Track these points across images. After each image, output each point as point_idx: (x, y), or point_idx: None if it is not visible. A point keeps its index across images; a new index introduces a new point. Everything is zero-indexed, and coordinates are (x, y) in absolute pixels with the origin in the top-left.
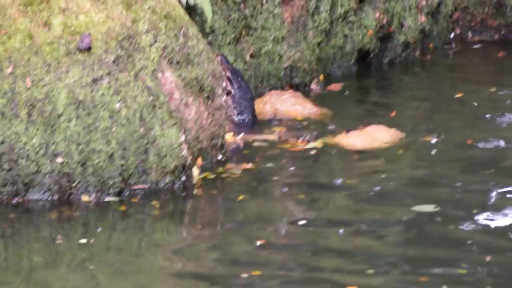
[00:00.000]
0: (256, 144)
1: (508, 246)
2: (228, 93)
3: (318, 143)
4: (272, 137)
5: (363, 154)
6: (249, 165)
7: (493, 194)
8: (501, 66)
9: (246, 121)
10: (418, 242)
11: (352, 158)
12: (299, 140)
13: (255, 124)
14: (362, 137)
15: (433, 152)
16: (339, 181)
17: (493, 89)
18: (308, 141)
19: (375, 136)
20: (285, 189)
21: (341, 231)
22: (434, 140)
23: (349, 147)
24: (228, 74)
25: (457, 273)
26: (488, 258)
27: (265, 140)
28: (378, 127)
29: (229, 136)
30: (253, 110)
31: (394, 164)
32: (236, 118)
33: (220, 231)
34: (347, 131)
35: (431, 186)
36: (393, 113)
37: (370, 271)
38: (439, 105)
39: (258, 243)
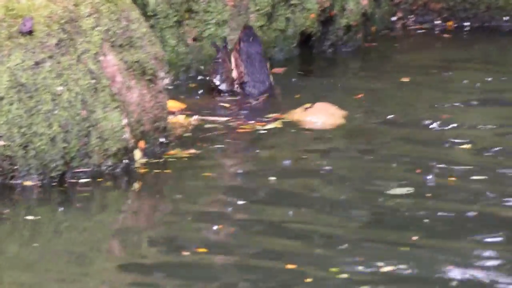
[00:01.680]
0: (210, 125)
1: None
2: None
3: (277, 123)
4: (227, 118)
5: (317, 132)
6: (195, 148)
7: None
8: (444, 48)
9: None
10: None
11: (305, 136)
12: (255, 122)
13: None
14: (318, 116)
15: (380, 132)
16: (288, 162)
17: (435, 71)
18: (267, 122)
19: (330, 114)
20: (230, 170)
21: (290, 212)
22: (379, 120)
23: (306, 126)
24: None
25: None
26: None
27: (220, 122)
28: (329, 105)
29: (182, 118)
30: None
31: (342, 143)
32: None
33: (158, 214)
34: (306, 108)
35: (379, 164)
36: (359, 95)
37: (318, 251)
38: (383, 87)
39: (199, 225)
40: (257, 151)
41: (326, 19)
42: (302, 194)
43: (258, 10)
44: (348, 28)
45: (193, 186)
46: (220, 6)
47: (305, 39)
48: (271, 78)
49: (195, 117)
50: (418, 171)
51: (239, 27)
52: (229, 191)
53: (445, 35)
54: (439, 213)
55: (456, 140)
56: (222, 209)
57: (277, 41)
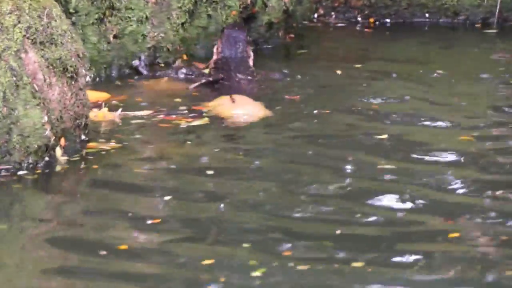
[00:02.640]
0: (134, 121)
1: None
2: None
3: (203, 120)
4: (151, 113)
5: (242, 127)
6: (115, 143)
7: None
8: (365, 44)
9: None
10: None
11: (227, 132)
12: (180, 117)
13: None
14: (244, 109)
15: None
16: (205, 158)
17: (359, 65)
18: (193, 118)
19: (253, 107)
20: (145, 168)
21: (220, 206)
22: (307, 111)
23: (231, 121)
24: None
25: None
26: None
27: (143, 116)
28: (249, 99)
29: (105, 112)
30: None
31: (265, 137)
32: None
33: (78, 209)
34: (233, 100)
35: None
36: (297, 97)
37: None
38: (308, 82)
39: (117, 223)
40: (176, 145)
41: (248, 16)
42: (223, 191)
43: (180, 7)
44: (270, 25)
45: (111, 182)
46: (142, 3)
47: None
48: (251, 62)
49: (119, 111)
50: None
51: (160, 24)
52: (146, 188)
53: (366, 31)
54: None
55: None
56: (139, 206)
57: (199, 38)
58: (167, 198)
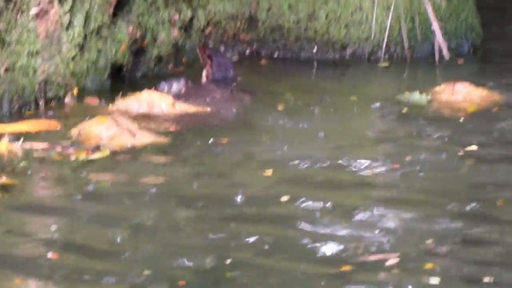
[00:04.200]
0: (36, 154)
1: None
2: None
3: (104, 152)
4: (51, 146)
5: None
6: (5, 179)
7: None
8: (264, 74)
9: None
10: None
11: (118, 165)
12: (79, 150)
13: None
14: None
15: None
16: (91, 186)
17: (261, 94)
18: (93, 151)
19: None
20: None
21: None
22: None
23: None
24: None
25: None
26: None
27: (45, 149)
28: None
29: (4, 145)
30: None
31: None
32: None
33: None
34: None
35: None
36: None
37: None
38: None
39: None
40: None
41: (138, 50)
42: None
43: (70, 41)
44: (160, 59)
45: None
46: (32, 37)
47: (117, 70)
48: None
49: (20, 142)
50: None
51: (51, 58)
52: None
53: (257, 64)
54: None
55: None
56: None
57: (89, 72)
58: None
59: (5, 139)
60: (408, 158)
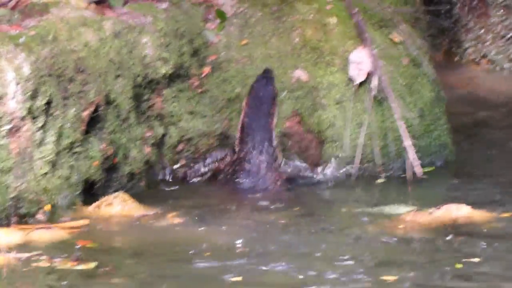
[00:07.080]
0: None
1: None
2: None
3: (90, 264)
4: (32, 254)
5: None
6: None
7: None
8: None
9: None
10: None
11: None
12: (65, 260)
13: None
14: None
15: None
16: None
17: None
18: (77, 261)
19: None
20: None
21: None
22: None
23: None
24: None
25: None
26: None
27: (25, 258)
28: None
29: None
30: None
31: None
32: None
33: None
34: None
35: None
36: None
37: None
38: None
39: None
40: None
41: (110, 167)
42: None
43: (42, 157)
44: (132, 175)
45: None
46: (4, 153)
47: (90, 186)
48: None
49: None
50: None
51: (23, 174)
52: None
53: None
54: None
55: None
56: None
57: (61, 189)
58: None
59: None
60: None
